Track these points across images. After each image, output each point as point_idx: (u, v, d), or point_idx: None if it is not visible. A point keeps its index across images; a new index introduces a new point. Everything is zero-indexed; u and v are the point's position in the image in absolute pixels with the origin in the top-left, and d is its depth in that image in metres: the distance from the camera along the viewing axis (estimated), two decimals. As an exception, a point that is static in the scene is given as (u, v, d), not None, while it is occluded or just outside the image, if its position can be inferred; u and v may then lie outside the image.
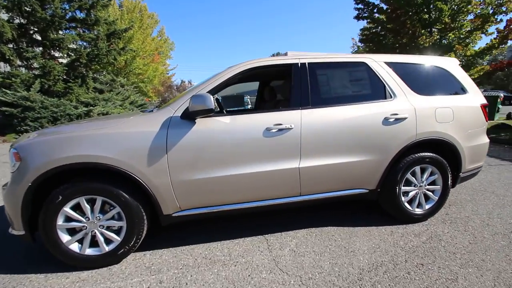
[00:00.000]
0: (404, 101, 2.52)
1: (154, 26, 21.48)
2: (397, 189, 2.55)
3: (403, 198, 2.61)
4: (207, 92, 2.15)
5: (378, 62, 2.59)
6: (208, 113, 2.00)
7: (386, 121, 2.42)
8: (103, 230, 2.02)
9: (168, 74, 25.29)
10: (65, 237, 1.98)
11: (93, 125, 2.06)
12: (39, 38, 12.12)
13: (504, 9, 12.21)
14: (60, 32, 12.39)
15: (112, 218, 2.03)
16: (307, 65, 2.39)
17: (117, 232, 2.06)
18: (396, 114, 2.44)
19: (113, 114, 5.51)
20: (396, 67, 2.63)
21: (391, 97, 2.53)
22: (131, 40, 17.56)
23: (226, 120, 2.15)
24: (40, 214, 1.92)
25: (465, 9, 12.26)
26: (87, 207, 1.97)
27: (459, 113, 2.65)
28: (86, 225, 2.00)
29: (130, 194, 1.98)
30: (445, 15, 12.07)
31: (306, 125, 2.24)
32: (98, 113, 12.10)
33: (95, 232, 2.01)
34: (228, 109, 3.72)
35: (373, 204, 2.87)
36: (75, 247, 2.01)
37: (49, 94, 11.67)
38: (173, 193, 2.05)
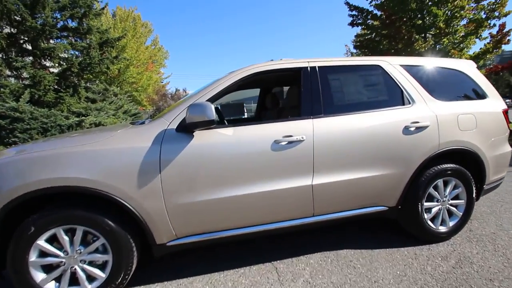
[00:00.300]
0: (424, 108, 2.28)
1: (148, 35, 21.29)
2: (420, 206, 2.29)
3: (425, 216, 2.34)
4: (206, 100, 1.88)
5: (394, 65, 2.36)
6: (208, 125, 1.72)
7: (406, 130, 2.17)
8: (84, 266, 1.71)
9: (162, 82, 25.03)
10: (39, 276, 1.66)
11: (72, 141, 1.76)
12: (29, 47, 11.80)
13: (496, 14, 12.29)
14: (51, 41, 12.09)
15: (96, 251, 1.72)
16: (317, 69, 2.14)
17: (102, 267, 1.74)
18: (417, 122, 2.19)
19: (100, 127, 5.20)
20: (412, 70, 2.40)
21: (409, 103, 2.29)
22: (125, 49, 17.33)
23: (228, 132, 1.87)
24: (8, 249, 1.61)
25: (459, 14, 12.33)
26: (65, 238, 1.66)
27: (482, 120, 2.42)
28: (64, 260, 1.68)
29: (116, 222, 1.68)
30: (440, 20, 12.10)
31: (319, 136, 1.97)
32: (90, 123, 11.74)
33: (75, 268, 1.70)
34: (227, 118, 3.45)
35: (387, 222, 2.60)
36: (51, 286, 1.68)
37: (39, 105, 11.27)
38: (168, 219, 1.76)
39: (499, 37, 12.50)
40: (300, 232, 2.66)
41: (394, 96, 2.29)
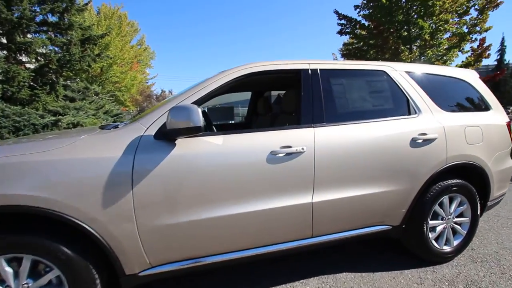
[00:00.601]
0: (431, 118, 2.11)
1: (134, 35, 20.71)
2: (425, 224, 2.10)
3: (430, 235, 2.16)
4: (192, 103, 1.60)
5: (399, 71, 2.18)
6: (193, 132, 1.44)
7: (414, 143, 1.98)
8: (33, 303, 1.37)
9: (147, 83, 24.34)
10: (-28, 317, 1.31)
11: (23, 147, 1.43)
12: (4, 40, 11.02)
13: (478, 28, 12.77)
14: (29, 35, 11.36)
15: (48, 284, 1.39)
16: (319, 72, 1.91)
17: (56, 304, 1.41)
18: (425, 134, 2.01)
19: (78, 128, 4.78)
20: (417, 77, 2.23)
21: (415, 113, 2.11)
22: (108, 47, 16.68)
23: (217, 140, 1.60)
24: None
25: (443, 28, 12.72)
26: (7, 270, 1.32)
27: (488, 133, 2.28)
28: (6, 297, 1.34)
29: (75, 250, 1.36)
30: (425, 33, 12.41)
31: (321, 147, 1.74)
32: (68, 123, 11.08)
33: (20, 307, 1.36)
34: (215, 123, 3.17)
35: (388, 240, 2.40)
36: (-13, 330, 1.34)
37: (11, 102, 10.50)
38: (141, 245, 1.45)
39: (479, 51, 12.99)
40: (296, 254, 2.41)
41: (400, 104, 2.10)
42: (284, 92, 2.56)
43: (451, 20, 12.57)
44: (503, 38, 21.20)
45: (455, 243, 2.28)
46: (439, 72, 2.39)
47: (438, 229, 2.21)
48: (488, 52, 12.95)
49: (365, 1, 13.97)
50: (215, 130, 2.02)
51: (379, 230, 2.03)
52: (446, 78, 2.40)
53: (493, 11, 12.54)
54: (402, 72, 2.18)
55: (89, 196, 1.32)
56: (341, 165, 1.78)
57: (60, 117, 10.72)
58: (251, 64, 1.84)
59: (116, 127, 1.76)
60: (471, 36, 12.79)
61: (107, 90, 16.41)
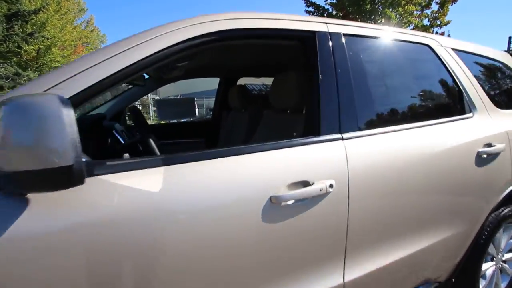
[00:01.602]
0: (489, 120, 1.43)
1: (79, 15, 18.02)
2: (479, 273, 1.45)
3: (481, 285, 1.52)
4: (70, 98, 0.62)
5: (445, 48, 1.44)
6: (57, 186, 0.49)
7: (479, 159, 1.27)
8: None
9: (97, 70, 21.59)
10: None
11: None
12: None
13: (438, 22, 13.22)
14: None
15: None
16: (343, 39, 1.07)
17: None
18: (491, 145, 1.31)
19: None
20: (466, 59, 1.53)
21: (470, 111, 1.40)
22: (45, 26, 14.18)
23: (149, 181, 0.68)
24: None
25: (407, 20, 12.89)
26: None
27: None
28: None
29: None
30: (392, 24, 12.42)
31: (358, 179, 0.92)
32: (-9, 116, 9.12)
33: None
34: (168, 121, 2.16)
35: None
36: None
37: None
38: None
39: (438, 45, 13.51)
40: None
41: (451, 98, 1.39)
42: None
43: (415, 12, 12.76)
44: (449, 35, 22.99)
45: (502, 286, 1.69)
46: (481, 52, 1.72)
47: (488, 274, 1.58)
48: (446, 46, 13.51)
49: (332, -11, 13.58)
50: (155, 147, 1.07)
51: (422, 292, 1.33)
52: (490, 61, 1.75)
53: (452, 5, 12.95)
54: (449, 50, 1.45)
55: None
56: (391, 207, 1.00)
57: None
58: (216, 16, 0.91)
59: None
60: (432, 29, 13.15)
61: (45, 76, 13.89)
